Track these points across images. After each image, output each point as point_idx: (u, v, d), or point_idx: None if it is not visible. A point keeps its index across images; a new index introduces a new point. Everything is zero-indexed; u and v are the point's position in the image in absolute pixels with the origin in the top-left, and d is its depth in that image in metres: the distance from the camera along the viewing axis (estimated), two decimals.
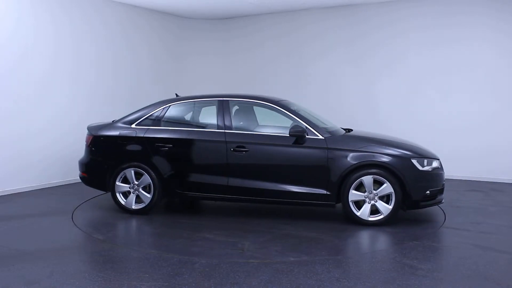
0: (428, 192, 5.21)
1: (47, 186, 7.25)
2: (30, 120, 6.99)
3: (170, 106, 5.89)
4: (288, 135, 5.31)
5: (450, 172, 7.95)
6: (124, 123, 5.91)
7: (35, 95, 7.07)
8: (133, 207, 5.71)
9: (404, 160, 5.18)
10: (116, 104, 8.40)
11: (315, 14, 9.03)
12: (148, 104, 6.12)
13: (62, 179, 7.52)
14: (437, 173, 5.34)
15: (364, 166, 5.19)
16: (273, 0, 8.30)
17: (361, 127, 8.09)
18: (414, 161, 5.20)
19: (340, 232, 5.04)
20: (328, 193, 5.26)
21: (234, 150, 5.41)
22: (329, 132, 5.45)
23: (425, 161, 5.27)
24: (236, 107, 5.88)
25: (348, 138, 5.48)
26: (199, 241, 4.71)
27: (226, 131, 5.52)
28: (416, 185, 5.15)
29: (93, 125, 6.19)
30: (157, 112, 5.86)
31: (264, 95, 6.08)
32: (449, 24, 7.87)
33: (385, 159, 5.16)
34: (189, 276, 3.75)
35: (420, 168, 5.20)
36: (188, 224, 5.32)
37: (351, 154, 5.21)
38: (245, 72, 9.91)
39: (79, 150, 7.73)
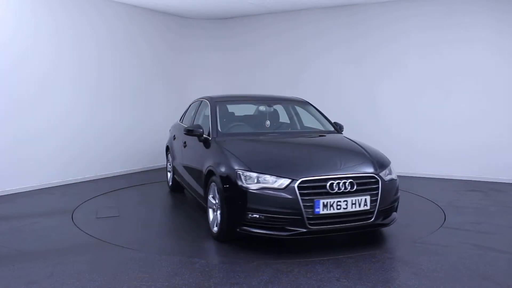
0: (255, 215, 4.14)
1: (47, 186, 7.25)
2: (30, 121, 6.99)
3: (190, 105, 6.88)
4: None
5: (451, 171, 7.96)
6: (179, 120, 7.19)
7: (36, 95, 7.06)
8: (170, 183, 7.13)
9: (230, 171, 4.34)
10: (120, 104, 8.41)
11: (315, 14, 9.02)
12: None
13: (62, 179, 7.52)
14: (274, 195, 4.09)
15: (213, 174, 4.64)
16: (273, 0, 8.30)
17: (361, 127, 8.11)
18: (241, 173, 4.24)
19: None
20: (203, 195, 5.04)
21: (183, 145, 6.13)
22: (225, 134, 5.16)
23: (259, 177, 4.18)
24: (207, 107, 6.00)
25: (226, 142, 4.95)
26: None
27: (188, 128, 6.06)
28: (234, 203, 4.27)
29: None
30: (188, 110, 6.93)
31: (228, 94, 6.67)
32: (450, 25, 7.86)
33: (218, 168, 4.53)
34: (189, 276, 3.75)
35: (239, 183, 4.22)
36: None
37: (208, 159, 4.87)
38: (246, 72, 9.91)
39: (80, 150, 7.77)
